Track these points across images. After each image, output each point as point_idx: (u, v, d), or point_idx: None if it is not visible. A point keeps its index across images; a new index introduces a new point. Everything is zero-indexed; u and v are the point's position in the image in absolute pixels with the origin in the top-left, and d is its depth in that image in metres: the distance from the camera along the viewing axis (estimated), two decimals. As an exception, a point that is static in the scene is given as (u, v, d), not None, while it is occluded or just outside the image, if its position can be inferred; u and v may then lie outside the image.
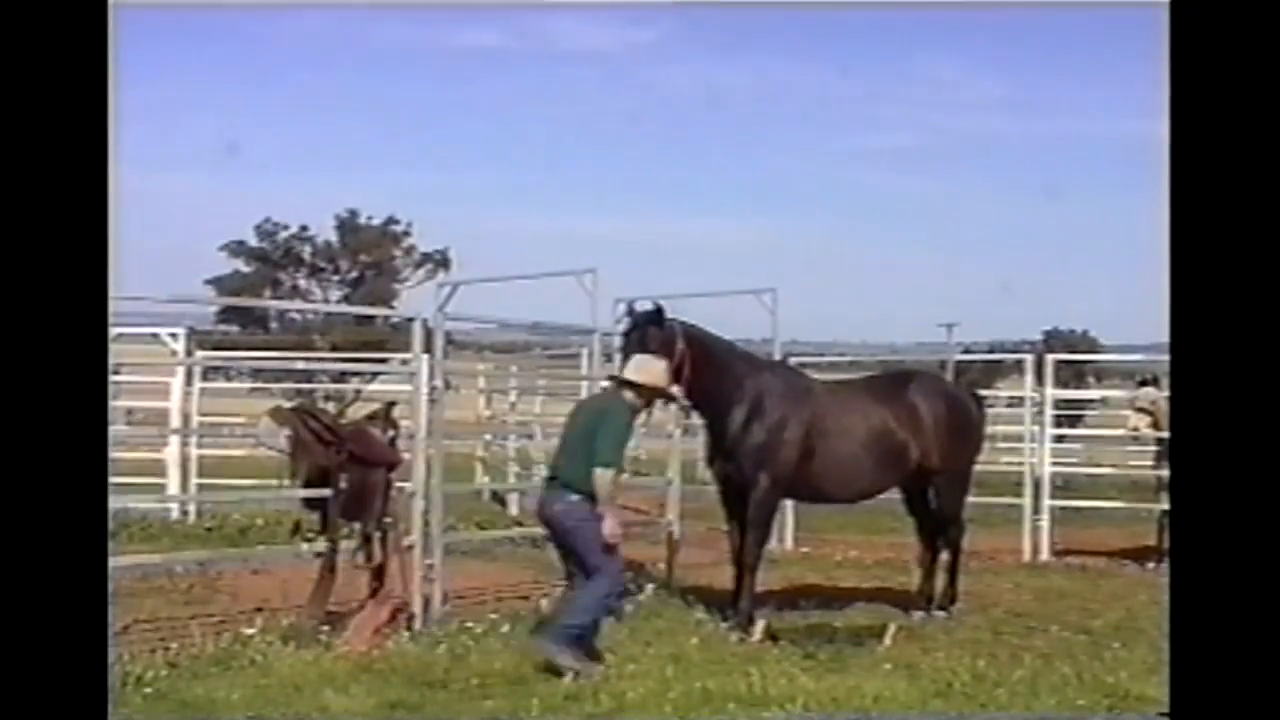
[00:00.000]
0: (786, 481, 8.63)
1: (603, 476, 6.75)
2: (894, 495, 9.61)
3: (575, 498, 6.84)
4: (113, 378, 11.33)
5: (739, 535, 8.60)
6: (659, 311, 8.27)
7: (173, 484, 13.92)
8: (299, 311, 49.24)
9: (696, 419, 10.76)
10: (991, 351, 38.59)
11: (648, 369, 7.36)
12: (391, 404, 8.30)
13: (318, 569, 7.70)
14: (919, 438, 8.93)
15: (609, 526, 6.75)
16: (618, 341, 12.88)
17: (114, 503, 7.19)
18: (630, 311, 8.45)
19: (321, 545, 7.75)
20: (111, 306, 4.25)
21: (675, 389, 8.02)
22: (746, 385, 8.50)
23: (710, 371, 8.33)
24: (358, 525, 7.74)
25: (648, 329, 8.17)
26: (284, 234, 50.74)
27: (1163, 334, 4.25)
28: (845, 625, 8.29)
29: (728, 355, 8.66)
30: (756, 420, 8.41)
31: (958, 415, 9.34)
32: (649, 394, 7.26)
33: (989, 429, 11.51)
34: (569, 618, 6.90)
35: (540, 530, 11.72)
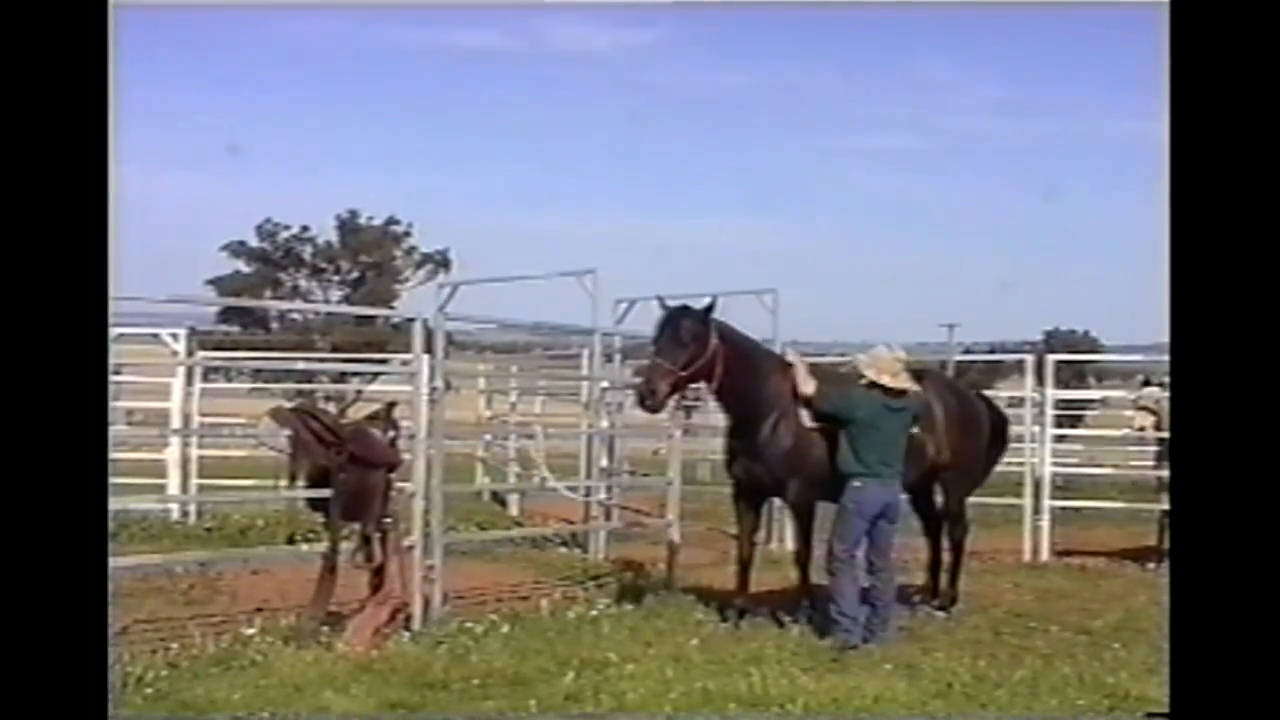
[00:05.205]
0: (821, 482, 8.28)
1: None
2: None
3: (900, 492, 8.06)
4: (113, 378, 11.34)
5: (748, 538, 8.61)
6: (694, 308, 8.18)
7: (173, 484, 13.92)
8: (299, 312, 49.34)
9: (697, 420, 10.76)
10: (992, 352, 38.71)
11: (894, 371, 8.02)
12: (392, 404, 8.28)
13: (318, 569, 7.70)
14: (934, 434, 8.91)
15: None
16: (618, 341, 12.93)
17: (114, 503, 7.19)
18: (663, 305, 8.29)
19: (322, 546, 7.75)
20: (112, 306, 4.25)
21: (705, 385, 8.25)
22: (774, 385, 8.33)
23: (741, 369, 8.20)
24: (357, 526, 7.74)
25: (681, 322, 8.06)
26: (285, 234, 50.87)
27: (1163, 334, 4.25)
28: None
29: (756, 354, 8.56)
30: (784, 422, 8.26)
31: (967, 412, 9.36)
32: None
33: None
34: (885, 616, 7.96)
35: (540, 530, 11.68)
